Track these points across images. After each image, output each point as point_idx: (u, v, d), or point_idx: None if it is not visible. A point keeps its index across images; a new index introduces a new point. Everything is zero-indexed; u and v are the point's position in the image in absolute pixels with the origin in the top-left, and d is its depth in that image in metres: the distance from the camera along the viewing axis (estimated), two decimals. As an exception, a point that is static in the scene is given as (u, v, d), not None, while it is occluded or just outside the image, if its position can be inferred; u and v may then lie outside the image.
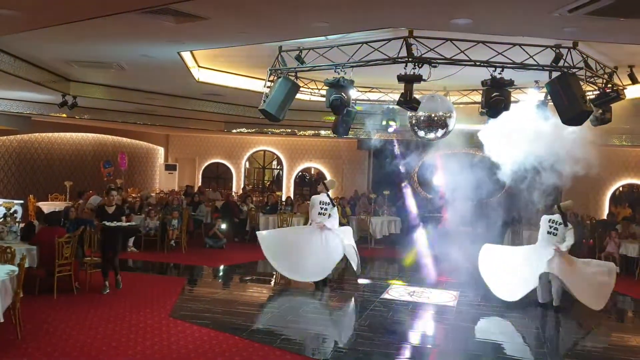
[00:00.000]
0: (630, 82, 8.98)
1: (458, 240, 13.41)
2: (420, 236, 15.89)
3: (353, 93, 10.05)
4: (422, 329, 9.45)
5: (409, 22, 7.12)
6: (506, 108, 8.19)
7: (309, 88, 11.10)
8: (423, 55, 7.70)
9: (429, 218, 16.56)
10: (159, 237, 14.88)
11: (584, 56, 8.04)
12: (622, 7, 5.55)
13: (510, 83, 8.15)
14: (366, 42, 7.98)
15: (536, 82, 9.59)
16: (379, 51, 7.90)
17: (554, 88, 8.03)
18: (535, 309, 10.30)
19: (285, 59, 9.04)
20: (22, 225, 11.12)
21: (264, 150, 25.45)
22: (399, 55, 7.75)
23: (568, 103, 7.79)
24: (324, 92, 9.76)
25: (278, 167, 25.51)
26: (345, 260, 11.66)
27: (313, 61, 8.72)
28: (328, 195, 11.77)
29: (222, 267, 13.70)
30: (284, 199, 20.37)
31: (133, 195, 20.06)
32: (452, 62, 7.88)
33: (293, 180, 24.97)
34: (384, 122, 12.86)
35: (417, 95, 8.44)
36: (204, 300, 10.13)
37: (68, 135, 21.09)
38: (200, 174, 26.08)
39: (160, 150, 26.34)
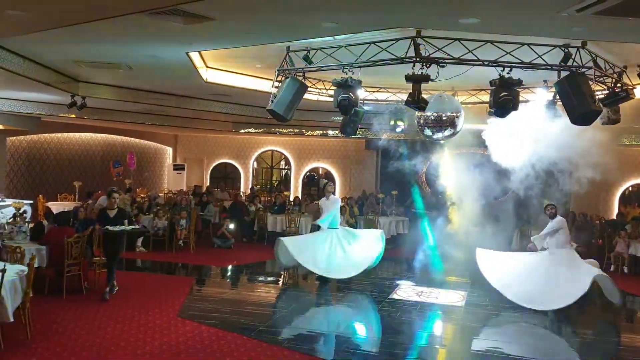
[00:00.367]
0: (639, 81, 8.93)
1: (466, 240, 13.38)
2: (429, 236, 15.85)
3: (361, 93, 10.05)
4: (430, 329, 9.43)
5: (417, 22, 7.10)
6: (515, 108, 8.15)
7: (316, 88, 11.10)
8: (431, 55, 7.68)
9: (436, 218, 16.48)
10: (167, 237, 14.92)
11: (593, 55, 8.00)
12: (630, 7, 5.51)
13: (519, 83, 8.10)
14: (374, 42, 7.96)
15: (545, 81, 9.55)
16: (386, 51, 7.89)
17: (562, 88, 7.98)
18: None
19: (293, 59, 9.04)
20: (31, 225, 11.19)
21: (272, 150, 25.49)
22: (407, 55, 7.73)
23: (577, 103, 7.75)
24: (331, 92, 9.75)
25: (286, 167, 25.53)
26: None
27: (321, 61, 8.71)
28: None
29: (230, 267, 13.72)
30: (292, 198, 20.39)
31: (142, 195, 20.12)
32: (460, 61, 7.85)
33: (301, 180, 24.98)
34: (392, 122, 12.87)
35: (425, 95, 8.41)
36: (212, 300, 10.15)
37: (77, 135, 21.19)
38: (208, 174, 26.15)
39: (169, 151, 26.42)
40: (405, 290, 11.42)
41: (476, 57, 7.83)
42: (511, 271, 10.69)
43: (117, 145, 23.18)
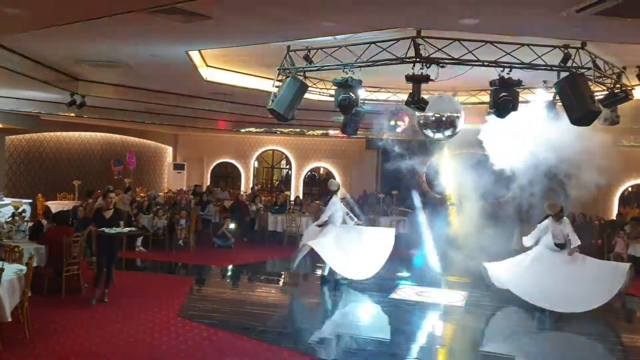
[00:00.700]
0: (638, 82, 8.93)
1: (466, 240, 13.37)
2: (429, 236, 15.84)
3: (361, 93, 10.05)
4: (430, 329, 9.43)
5: (417, 22, 7.10)
6: (514, 108, 8.15)
7: (317, 88, 11.08)
8: (431, 55, 7.67)
9: (436, 218, 16.47)
10: (167, 237, 14.93)
11: (593, 56, 8.00)
12: (630, 7, 5.50)
13: (519, 83, 8.11)
14: (374, 42, 7.95)
15: (544, 82, 9.54)
16: (387, 51, 7.88)
17: (562, 88, 7.98)
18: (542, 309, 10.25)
19: (294, 59, 9.04)
20: (30, 224, 11.18)
21: (273, 150, 25.49)
22: (407, 55, 7.72)
23: (576, 103, 7.75)
24: (332, 92, 9.75)
25: (287, 167, 25.53)
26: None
27: (321, 61, 8.70)
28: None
29: (230, 266, 13.71)
30: (292, 198, 20.38)
31: (141, 194, 20.12)
32: (460, 62, 7.84)
33: (302, 180, 24.98)
34: (392, 122, 12.86)
35: (425, 96, 8.41)
36: (212, 300, 10.15)
37: (76, 134, 21.19)
38: (208, 173, 26.15)
39: (169, 150, 26.43)
40: (405, 290, 11.41)
41: (476, 57, 7.82)
42: (534, 276, 10.49)
43: (116, 144, 23.16)
